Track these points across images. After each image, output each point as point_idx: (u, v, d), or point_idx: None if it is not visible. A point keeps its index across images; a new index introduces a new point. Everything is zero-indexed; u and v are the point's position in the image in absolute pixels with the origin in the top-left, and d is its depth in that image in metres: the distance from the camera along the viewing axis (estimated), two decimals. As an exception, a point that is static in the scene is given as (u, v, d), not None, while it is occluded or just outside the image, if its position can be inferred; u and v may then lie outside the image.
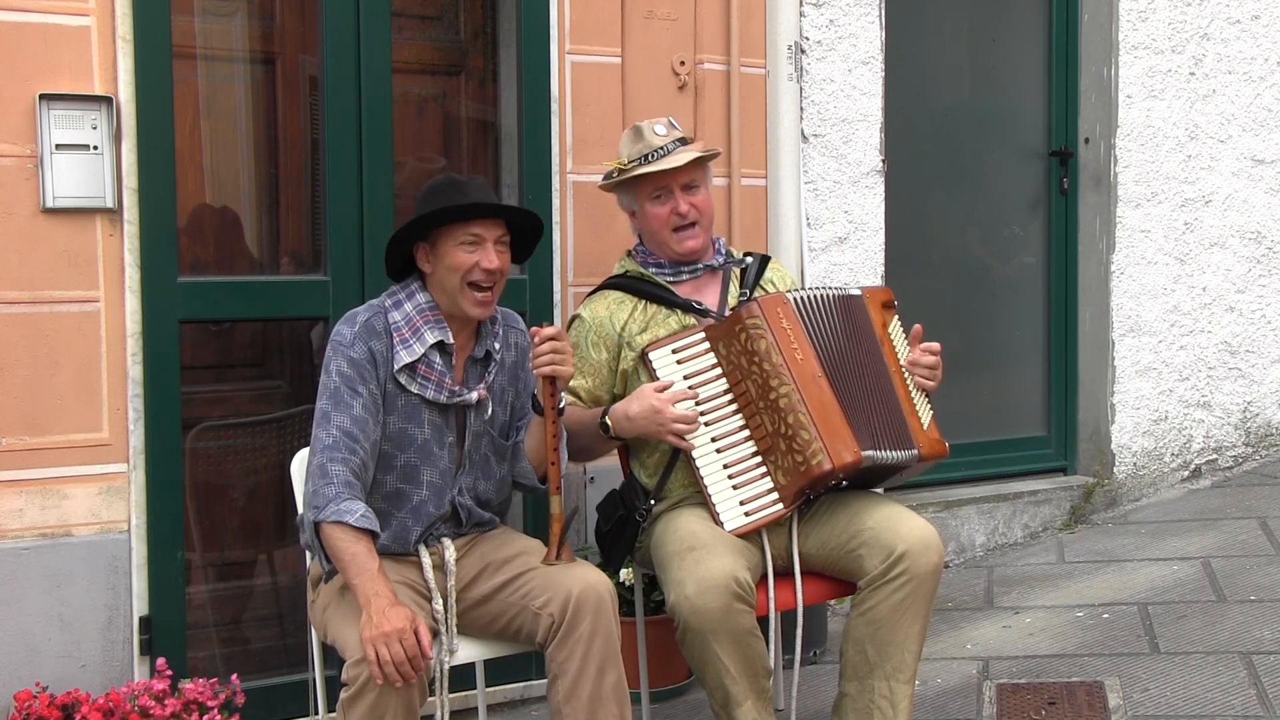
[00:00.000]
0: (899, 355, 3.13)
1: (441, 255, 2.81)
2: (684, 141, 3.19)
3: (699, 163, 3.18)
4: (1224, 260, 5.23)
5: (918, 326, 3.16)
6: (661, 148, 3.13)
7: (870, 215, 4.45)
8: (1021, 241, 5.10)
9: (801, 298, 3.07)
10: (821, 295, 3.10)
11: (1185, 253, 5.14)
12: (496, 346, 2.93)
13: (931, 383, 3.13)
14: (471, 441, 2.90)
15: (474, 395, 2.86)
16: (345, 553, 2.65)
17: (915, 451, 3.05)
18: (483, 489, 2.94)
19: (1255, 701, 3.35)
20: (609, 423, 2.99)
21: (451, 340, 2.85)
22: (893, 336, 3.15)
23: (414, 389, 2.81)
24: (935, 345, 3.15)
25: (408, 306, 2.84)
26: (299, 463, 3.00)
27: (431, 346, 2.81)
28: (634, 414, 2.97)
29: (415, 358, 2.79)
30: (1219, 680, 3.49)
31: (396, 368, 2.79)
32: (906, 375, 3.11)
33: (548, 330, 2.77)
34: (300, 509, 2.90)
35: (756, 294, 3.19)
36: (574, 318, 3.24)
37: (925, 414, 3.11)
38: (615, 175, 3.21)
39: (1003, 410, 5.08)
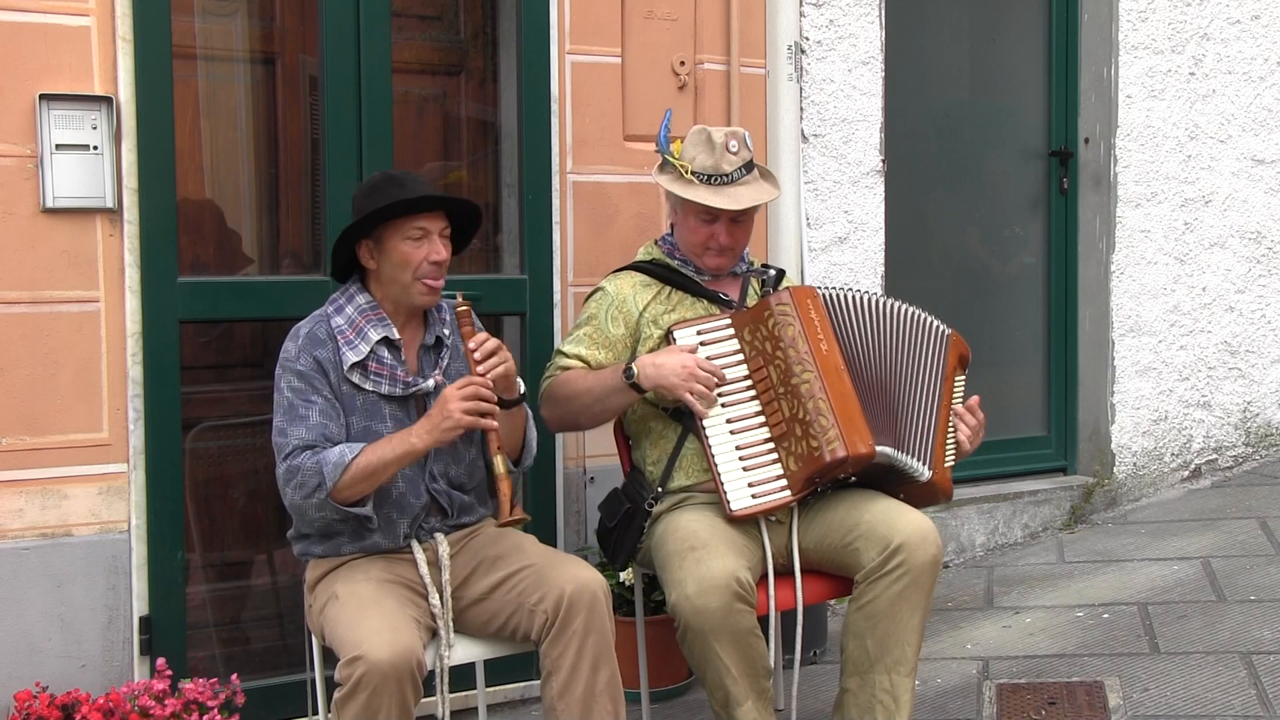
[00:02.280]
0: (953, 401, 3.16)
1: (388, 251, 2.83)
2: (749, 166, 3.17)
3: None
4: (1224, 260, 5.23)
5: (976, 397, 3.19)
6: (728, 175, 3.12)
7: (870, 215, 4.45)
8: (1021, 241, 5.10)
9: (832, 295, 3.11)
10: (891, 306, 3.13)
11: (1185, 253, 5.14)
12: (446, 333, 2.96)
13: (968, 444, 3.15)
14: None
15: (430, 383, 2.88)
16: (374, 462, 2.71)
17: (929, 470, 3.05)
18: (455, 474, 2.95)
19: (1255, 701, 3.35)
20: (635, 368, 3.01)
21: (397, 335, 2.87)
22: (956, 385, 3.18)
23: (368, 386, 2.83)
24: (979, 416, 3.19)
25: (349, 310, 2.86)
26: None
27: (378, 342, 2.84)
28: (661, 361, 3.00)
29: (362, 356, 2.81)
30: (1219, 680, 3.49)
31: (346, 368, 2.81)
32: (951, 419, 3.13)
33: (493, 344, 2.79)
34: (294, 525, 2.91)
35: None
36: (596, 289, 3.25)
37: (950, 456, 3.14)
38: (672, 170, 3.17)
39: (1003, 410, 5.07)
